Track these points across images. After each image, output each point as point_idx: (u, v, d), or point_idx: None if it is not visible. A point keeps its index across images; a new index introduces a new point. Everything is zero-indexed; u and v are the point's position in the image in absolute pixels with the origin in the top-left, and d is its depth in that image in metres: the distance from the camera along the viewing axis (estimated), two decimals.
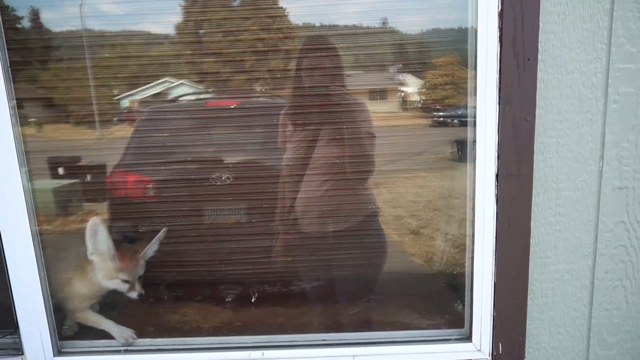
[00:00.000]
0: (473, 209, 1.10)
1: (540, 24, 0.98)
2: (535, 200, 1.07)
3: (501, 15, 0.98)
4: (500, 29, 0.99)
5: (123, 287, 1.25)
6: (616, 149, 1.05)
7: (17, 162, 1.08)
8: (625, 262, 1.11)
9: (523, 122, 1.02)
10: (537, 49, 0.99)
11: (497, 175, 1.05)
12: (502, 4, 0.98)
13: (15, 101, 1.08)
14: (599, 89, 1.02)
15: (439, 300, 1.39)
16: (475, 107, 1.05)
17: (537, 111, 1.02)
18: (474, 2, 1.02)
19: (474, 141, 1.06)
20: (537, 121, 1.03)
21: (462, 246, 1.20)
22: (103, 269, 1.23)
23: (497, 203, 1.06)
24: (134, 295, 1.26)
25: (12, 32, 1.13)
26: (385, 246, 1.48)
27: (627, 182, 1.07)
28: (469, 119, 1.10)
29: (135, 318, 1.39)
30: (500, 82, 1.01)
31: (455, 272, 1.32)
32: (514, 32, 0.98)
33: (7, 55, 1.08)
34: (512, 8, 0.97)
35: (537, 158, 1.05)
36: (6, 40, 1.09)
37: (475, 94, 1.05)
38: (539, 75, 1.01)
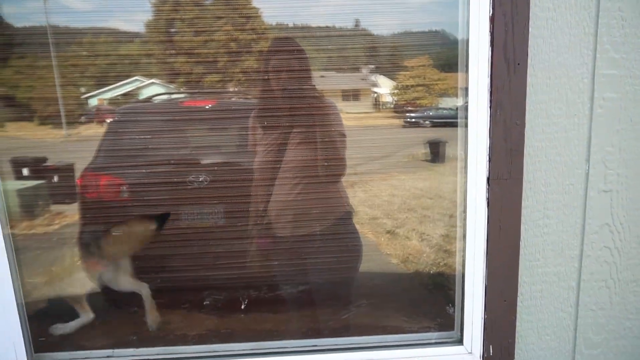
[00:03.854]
0: (464, 212, 1.10)
1: (530, 29, 1.00)
2: (524, 203, 1.08)
3: (492, 19, 0.99)
4: (492, 33, 0.99)
5: None
6: (601, 152, 1.08)
7: None
8: (609, 264, 1.14)
9: (513, 126, 1.03)
10: (527, 54, 1.01)
11: (488, 179, 1.06)
12: (493, 8, 0.99)
13: None
14: (585, 93, 1.05)
15: (430, 303, 1.39)
16: (466, 108, 1.06)
17: (527, 115, 1.04)
18: (466, 7, 1.02)
19: (466, 144, 1.07)
20: (527, 125, 1.04)
21: (452, 250, 1.21)
22: None
23: (488, 206, 1.07)
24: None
25: None
26: (360, 247, 1.47)
27: (611, 186, 1.10)
28: (459, 120, 1.11)
29: (117, 326, 1.33)
30: (491, 86, 1.01)
31: (445, 275, 1.32)
32: (505, 36, 0.99)
33: None
34: (503, 13, 0.98)
35: (527, 161, 1.06)
36: None
37: (465, 95, 1.06)
38: (529, 79, 1.02)
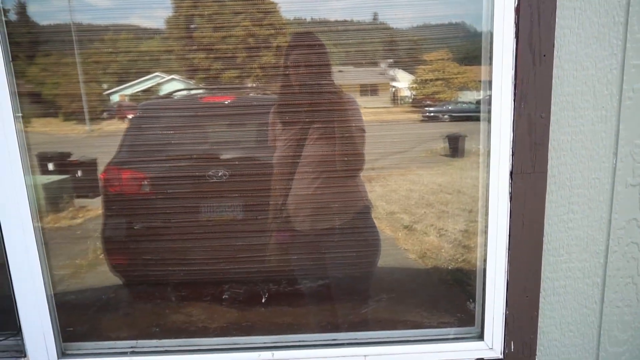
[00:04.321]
0: (486, 206, 1.09)
1: (557, 19, 0.97)
2: (548, 197, 1.06)
3: (517, 10, 0.97)
4: (517, 24, 0.97)
5: None
6: (629, 145, 1.05)
7: (20, 156, 1.04)
8: (636, 260, 1.11)
9: (538, 119, 1.01)
10: (553, 45, 0.98)
11: (511, 173, 1.04)
12: None
13: (17, 95, 1.05)
14: (613, 85, 1.02)
15: (449, 299, 1.38)
16: (489, 104, 1.04)
17: (552, 108, 1.02)
18: None
19: (489, 138, 1.05)
20: (552, 118, 1.02)
21: (474, 245, 1.20)
22: None
23: (510, 200, 1.05)
24: None
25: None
26: (379, 242, 1.47)
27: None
28: (481, 114, 1.09)
29: (139, 319, 1.36)
30: (515, 79, 0.99)
31: (466, 270, 1.31)
32: (531, 27, 0.97)
33: (8, 49, 1.04)
34: (529, 3, 0.96)
35: (552, 155, 1.04)
36: (8, 34, 1.05)
37: (488, 89, 1.04)
38: (555, 71, 1.00)
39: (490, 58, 1.01)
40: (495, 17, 0.99)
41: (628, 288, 1.13)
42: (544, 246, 1.09)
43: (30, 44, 1.25)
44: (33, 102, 1.36)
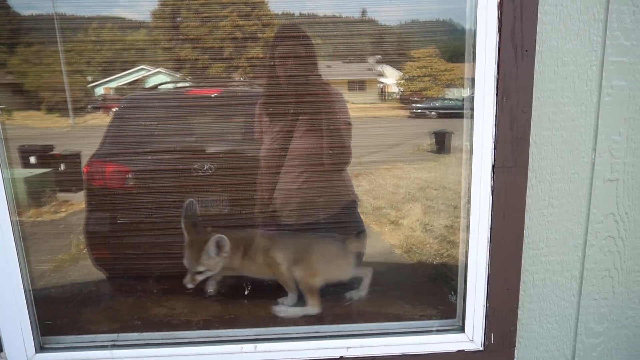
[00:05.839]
0: (468, 200, 1.10)
1: (539, 15, 0.98)
2: (529, 192, 1.08)
3: (500, 5, 0.98)
4: (500, 19, 0.98)
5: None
6: (608, 141, 1.07)
7: None
8: (613, 253, 1.13)
9: (520, 114, 1.02)
10: (535, 41, 0.99)
11: (493, 167, 1.05)
12: None
13: None
14: (593, 81, 1.03)
15: (432, 291, 1.40)
16: (472, 99, 1.05)
17: (534, 103, 1.03)
18: None
19: (472, 132, 1.06)
20: (533, 113, 1.03)
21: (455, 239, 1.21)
22: None
23: (492, 194, 1.07)
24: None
25: None
26: (364, 235, 1.48)
27: (617, 175, 1.09)
28: (465, 112, 1.10)
29: (121, 312, 1.35)
30: (498, 74, 1.00)
31: (449, 263, 1.33)
32: (513, 22, 0.98)
33: None
34: None
35: (532, 150, 1.06)
36: None
37: (472, 86, 1.04)
38: (536, 67, 1.01)
39: (474, 53, 1.02)
40: (479, 12, 0.99)
41: (605, 281, 1.15)
42: (524, 240, 1.11)
43: (11, 33, 1.21)
44: (14, 94, 1.32)
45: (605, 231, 1.12)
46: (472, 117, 1.06)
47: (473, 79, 1.04)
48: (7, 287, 1.08)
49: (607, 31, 1.01)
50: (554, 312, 1.16)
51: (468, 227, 1.11)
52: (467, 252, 1.13)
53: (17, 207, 1.10)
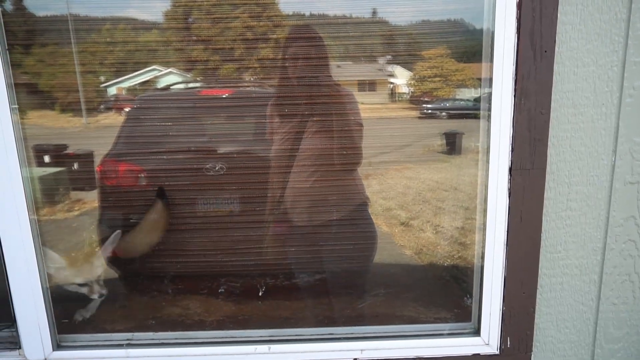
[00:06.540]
0: (485, 202, 1.09)
1: (559, 15, 0.97)
2: (547, 194, 1.06)
3: (520, 5, 0.96)
4: (519, 19, 0.97)
5: (83, 290, 1.29)
6: (629, 143, 1.05)
7: (15, 147, 1.03)
8: (633, 257, 1.11)
9: (538, 115, 1.01)
10: (555, 41, 0.98)
11: (510, 169, 1.04)
12: None
13: (13, 87, 1.04)
14: (614, 82, 1.01)
15: (446, 294, 1.39)
16: (489, 99, 1.03)
17: (552, 104, 1.01)
18: None
19: (489, 134, 1.05)
20: (552, 114, 1.02)
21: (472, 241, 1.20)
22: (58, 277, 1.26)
23: (509, 196, 1.05)
24: (94, 296, 1.30)
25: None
26: (375, 236, 1.47)
27: (638, 177, 1.07)
28: (481, 112, 1.09)
29: (136, 311, 1.36)
30: (516, 74, 0.99)
31: (462, 267, 1.31)
32: (532, 23, 0.96)
33: (5, 38, 1.03)
34: None
35: (551, 152, 1.04)
36: (4, 23, 1.04)
37: (489, 86, 1.03)
38: (555, 67, 1.00)
39: (491, 54, 1.01)
40: (497, 13, 0.98)
41: (625, 285, 1.13)
42: (542, 242, 1.09)
43: (27, 34, 1.23)
44: (29, 94, 1.34)
45: (625, 234, 1.10)
46: (489, 118, 1.04)
47: (489, 80, 1.03)
48: (26, 285, 1.09)
49: (630, 31, 0.99)
50: (572, 316, 1.14)
51: (483, 229, 1.10)
52: (482, 254, 1.12)
53: (40, 205, 1.11)
